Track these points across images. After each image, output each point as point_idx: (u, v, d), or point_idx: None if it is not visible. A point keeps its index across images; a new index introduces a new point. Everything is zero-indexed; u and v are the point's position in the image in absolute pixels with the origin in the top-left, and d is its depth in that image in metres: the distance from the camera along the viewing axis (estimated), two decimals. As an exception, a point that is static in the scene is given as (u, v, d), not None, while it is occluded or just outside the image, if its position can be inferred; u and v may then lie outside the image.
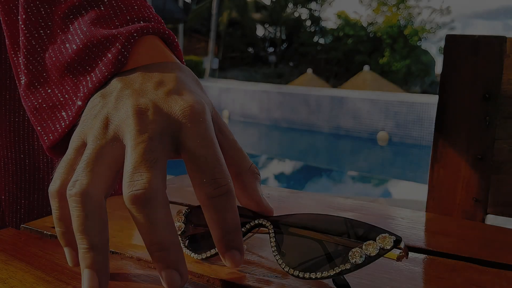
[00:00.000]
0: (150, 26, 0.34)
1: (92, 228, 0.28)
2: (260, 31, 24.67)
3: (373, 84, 14.48)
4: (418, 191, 4.57)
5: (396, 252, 0.29)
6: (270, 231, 0.32)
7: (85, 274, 0.28)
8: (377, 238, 0.28)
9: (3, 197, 0.53)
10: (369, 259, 0.28)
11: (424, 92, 19.07)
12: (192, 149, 0.29)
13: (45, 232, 0.40)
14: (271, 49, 24.35)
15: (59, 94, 0.35)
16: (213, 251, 0.34)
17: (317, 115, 8.97)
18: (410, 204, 3.63)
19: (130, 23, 0.34)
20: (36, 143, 0.54)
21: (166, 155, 0.29)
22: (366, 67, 15.91)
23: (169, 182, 0.60)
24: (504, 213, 0.56)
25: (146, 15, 0.35)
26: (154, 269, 0.34)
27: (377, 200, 4.13)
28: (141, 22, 0.34)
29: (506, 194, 0.55)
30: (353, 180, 6.23)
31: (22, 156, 0.53)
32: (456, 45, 0.58)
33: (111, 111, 0.30)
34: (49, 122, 0.35)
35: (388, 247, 0.28)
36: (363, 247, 0.28)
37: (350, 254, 0.28)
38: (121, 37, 0.32)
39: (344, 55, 22.07)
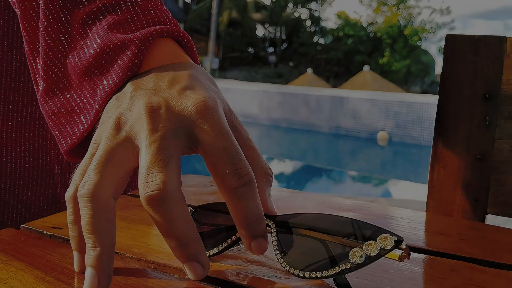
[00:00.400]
0: (165, 29, 0.34)
1: (99, 228, 0.28)
2: (260, 31, 24.68)
3: (373, 84, 14.48)
4: (418, 191, 4.57)
5: (398, 252, 0.29)
6: (272, 230, 0.32)
7: (88, 273, 0.28)
8: (378, 238, 0.28)
9: (1, 195, 0.53)
10: (369, 259, 0.28)
11: (424, 92, 19.07)
12: (208, 142, 0.29)
13: (45, 232, 0.40)
14: (271, 49, 24.35)
15: (77, 99, 0.35)
16: (215, 250, 0.34)
17: (317, 115, 8.97)
18: (410, 204, 3.62)
19: (146, 27, 0.34)
20: (37, 143, 0.54)
21: (180, 152, 0.29)
22: (366, 67, 15.91)
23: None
24: (504, 213, 0.56)
25: (162, 19, 0.35)
26: (154, 269, 0.34)
27: (377, 200, 4.13)
28: (157, 25, 0.34)
29: (506, 194, 0.55)
30: (353, 180, 6.22)
31: (22, 154, 0.54)
32: (456, 45, 0.58)
33: (124, 111, 0.31)
34: (67, 126, 0.35)
35: (389, 247, 0.28)
36: (364, 247, 0.28)
37: (350, 254, 0.28)
38: (136, 41, 0.33)
39: (344, 55, 22.07)
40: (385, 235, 0.28)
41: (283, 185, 5.55)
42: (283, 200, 0.52)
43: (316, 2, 24.44)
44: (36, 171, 0.55)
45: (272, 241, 0.32)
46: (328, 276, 0.29)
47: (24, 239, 0.38)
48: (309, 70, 16.38)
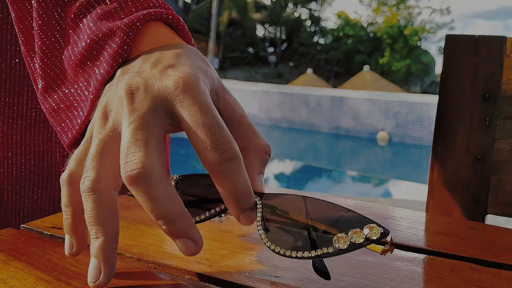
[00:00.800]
0: (153, 12, 0.34)
1: (101, 219, 0.28)
2: (260, 31, 24.67)
3: (373, 84, 14.48)
4: (418, 191, 4.57)
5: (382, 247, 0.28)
6: (258, 206, 0.31)
7: (91, 263, 0.29)
8: (365, 227, 0.27)
9: (5, 196, 0.54)
10: (352, 247, 0.27)
11: (424, 92, 19.08)
12: (189, 118, 0.28)
13: (45, 232, 0.40)
14: (271, 49, 24.34)
15: (75, 93, 0.36)
16: (197, 218, 0.34)
17: (317, 115, 8.96)
18: (410, 204, 3.62)
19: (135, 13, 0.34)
20: (41, 146, 0.55)
21: (161, 130, 0.29)
22: (366, 67, 15.91)
23: (169, 182, 0.60)
24: (504, 213, 0.56)
25: (151, 4, 0.35)
26: (154, 269, 0.34)
27: (377, 200, 4.13)
28: (145, 10, 0.34)
29: (506, 194, 0.55)
30: (353, 180, 6.22)
31: (27, 157, 0.54)
32: (456, 45, 0.58)
33: (110, 98, 0.31)
34: (67, 121, 0.36)
35: (374, 238, 0.27)
36: (349, 233, 0.28)
37: (334, 239, 0.28)
38: (124, 27, 0.33)
39: (344, 55, 22.06)
40: (372, 225, 0.27)
41: (283, 185, 5.55)
42: (283, 200, 0.52)
43: (316, 2, 24.44)
44: (42, 174, 0.55)
45: (257, 217, 0.31)
46: (309, 258, 0.28)
47: (24, 239, 0.38)
48: (309, 70, 16.38)
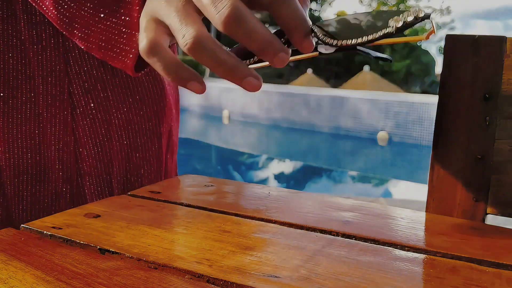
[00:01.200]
0: None
1: (225, 56, 0.32)
2: (260, 31, 24.61)
3: (373, 84, 14.47)
4: (418, 191, 4.57)
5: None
6: (313, 28, 0.33)
7: (245, 84, 0.32)
8: (411, 9, 0.31)
9: (7, 189, 0.55)
10: (405, 26, 0.30)
11: (424, 92, 19.06)
12: None
13: (45, 232, 0.40)
14: (271, 49, 24.29)
15: (119, 22, 0.41)
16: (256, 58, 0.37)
17: (317, 115, 8.96)
18: (410, 204, 3.62)
19: None
20: (37, 139, 0.56)
21: None
22: (366, 67, 15.90)
23: (170, 182, 0.60)
24: (504, 213, 0.56)
25: None
26: (154, 269, 0.34)
27: (377, 200, 4.13)
28: None
29: (506, 194, 0.55)
30: (353, 180, 6.22)
31: (24, 150, 0.55)
32: (456, 45, 0.58)
33: (147, 7, 0.35)
34: (121, 46, 0.41)
35: (421, 15, 0.30)
36: (400, 14, 0.31)
37: (390, 21, 0.31)
38: None
39: (344, 55, 22.06)
40: (417, 8, 0.31)
41: (283, 185, 5.54)
42: (283, 200, 0.52)
43: (316, 2, 24.43)
44: (38, 167, 0.56)
45: (313, 31, 0.33)
46: (375, 39, 0.31)
47: (24, 239, 0.38)
48: (309, 70, 16.38)
